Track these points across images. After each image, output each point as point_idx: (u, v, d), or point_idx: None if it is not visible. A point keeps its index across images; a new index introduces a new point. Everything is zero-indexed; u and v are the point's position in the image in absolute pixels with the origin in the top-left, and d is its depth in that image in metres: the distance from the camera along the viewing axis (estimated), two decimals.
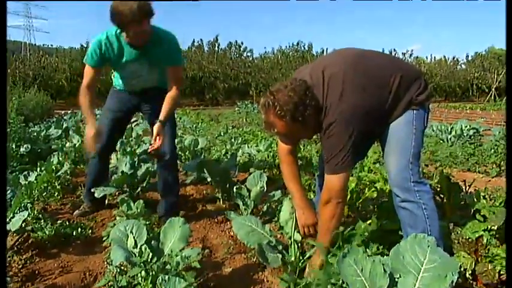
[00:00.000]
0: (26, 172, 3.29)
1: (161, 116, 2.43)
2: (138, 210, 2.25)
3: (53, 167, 3.62)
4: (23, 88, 17.09)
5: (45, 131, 6.32)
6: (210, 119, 10.03)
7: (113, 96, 2.83)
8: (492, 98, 28.06)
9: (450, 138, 6.04)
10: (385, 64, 1.80)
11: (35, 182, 3.03)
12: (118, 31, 2.35)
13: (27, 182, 3.04)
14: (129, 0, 2.14)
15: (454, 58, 37.51)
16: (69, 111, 14.48)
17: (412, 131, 1.76)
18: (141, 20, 2.18)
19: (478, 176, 4.43)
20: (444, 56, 38.93)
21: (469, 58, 38.82)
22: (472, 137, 6.26)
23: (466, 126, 6.48)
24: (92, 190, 2.72)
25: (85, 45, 25.70)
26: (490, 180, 4.27)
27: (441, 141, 6.25)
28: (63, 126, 7.64)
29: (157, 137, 2.37)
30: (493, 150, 4.79)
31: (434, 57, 39.65)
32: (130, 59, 2.45)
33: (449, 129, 6.31)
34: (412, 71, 1.88)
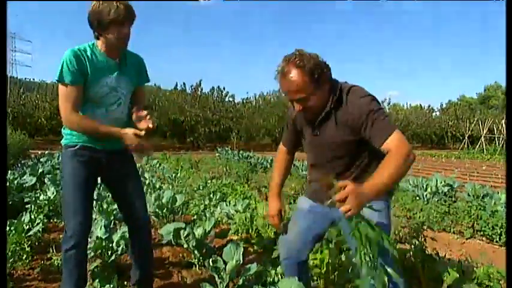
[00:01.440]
0: None
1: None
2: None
3: (24, 225, 3.50)
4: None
5: (18, 178, 6.14)
6: (190, 165, 9.99)
7: (69, 159, 2.14)
8: (466, 146, 29.06)
9: (426, 195, 6.18)
10: None
11: None
12: (91, 43, 2.09)
13: None
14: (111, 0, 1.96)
15: (429, 106, 39.19)
16: (46, 151, 14.20)
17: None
18: (125, 21, 2.00)
19: (453, 237, 4.53)
20: (420, 105, 40.67)
21: (443, 106, 40.68)
22: (447, 193, 6.41)
23: (441, 182, 6.65)
24: None
25: None
26: (464, 242, 4.36)
27: (417, 197, 6.38)
28: (39, 172, 7.45)
29: (146, 117, 2.08)
30: (466, 212, 4.90)
31: (410, 104, 41.41)
32: (108, 69, 2.09)
33: (424, 186, 6.47)
34: None
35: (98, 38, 2.08)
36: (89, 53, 2.04)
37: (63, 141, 2.18)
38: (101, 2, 1.96)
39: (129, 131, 2.01)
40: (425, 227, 3.80)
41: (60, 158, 10.90)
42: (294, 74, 1.64)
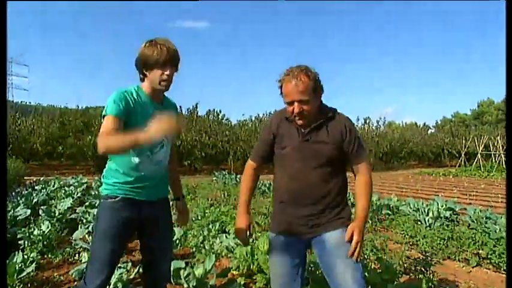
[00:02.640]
0: None
1: (181, 192, 2.42)
2: None
3: (16, 266, 3.38)
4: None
5: (12, 210, 6.00)
6: (187, 191, 9.86)
7: (108, 211, 2.05)
8: (463, 163, 29.09)
9: (428, 220, 6.08)
10: None
11: None
12: (135, 85, 2.09)
13: None
14: (162, 42, 2.00)
15: (424, 124, 39.48)
16: (41, 178, 14.04)
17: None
18: (168, 63, 2.01)
19: (459, 265, 4.42)
20: (416, 123, 40.96)
21: (438, 123, 40.98)
22: (449, 217, 6.33)
23: (442, 206, 6.57)
24: None
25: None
26: (470, 271, 4.25)
27: (419, 222, 6.28)
28: (33, 202, 7.32)
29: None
30: (470, 239, 4.81)
31: (406, 122, 41.68)
32: (153, 112, 2.01)
33: (426, 210, 6.38)
34: None
35: (142, 80, 2.10)
36: (135, 95, 2.04)
37: (102, 191, 2.09)
38: (148, 44, 2.01)
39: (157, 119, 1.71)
40: (430, 258, 3.70)
41: (54, 184, 10.82)
42: (303, 78, 1.90)
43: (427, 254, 4.03)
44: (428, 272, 3.01)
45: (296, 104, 1.92)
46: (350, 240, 1.94)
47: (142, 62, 2.02)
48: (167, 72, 2.03)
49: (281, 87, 1.98)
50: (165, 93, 2.20)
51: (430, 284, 2.98)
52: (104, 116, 1.94)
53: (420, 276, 3.06)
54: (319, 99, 2.01)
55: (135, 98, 2.03)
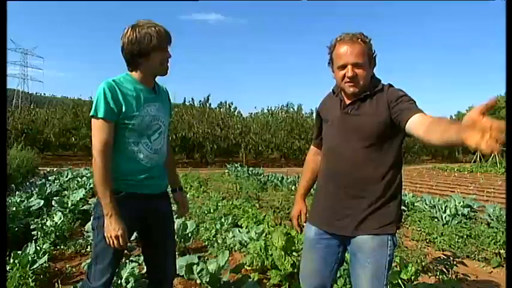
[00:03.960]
0: None
1: (179, 183, 2.37)
2: None
3: (29, 257, 3.35)
4: (7, 143, 16.95)
5: (26, 201, 6.02)
6: (199, 184, 9.82)
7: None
8: (478, 159, 28.55)
9: (445, 217, 5.92)
10: None
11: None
12: (124, 73, 1.97)
13: None
14: (149, 24, 1.86)
15: None
16: (55, 169, 14.20)
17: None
18: (167, 45, 1.93)
19: (479, 265, 4.27)
20: None
21: (453, 118, 40.23)
22: (467, 215, 6.16)
23: (459, 203, 6.40)
24: None
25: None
26: (491, 272, 4.11)
27: (435, 219, 6.13)
28: (46, 192, 7.35)
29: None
30: (491, 238, 4.65)
31: None
32: (148, 98, 1.97)
33: (443, 207, 6.21)
34: None
35: (134, 70, 1.96)
36: (126, 84, 1.92)
37: None
38: (137, 29, 1.85)
39: (115, 231, 1.81)
40: (453, 258, 3.56)
41: (67, 175, 10.88)
42: (359, 41, 1.77)
43: (448, 253, 3.89)
44: (450, 272, 2.88)
45: (350, 66, 1.75)
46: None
47: (137, 50, 1.86)
48: (168, 55, 1.95)
49: (332, 51, 1.83)
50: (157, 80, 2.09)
51: (452, 284, 2.86)
52: (95, 115, 1.84)
53: (441, 276, 2.94)
54: (372, 69, 1.84)
55: (125, 84, 1.92)
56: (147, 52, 1.86)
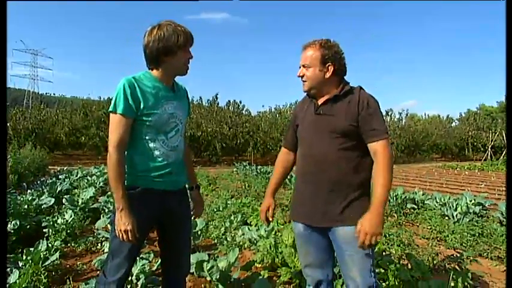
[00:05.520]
0: (8, 269, 3.03)
1: (195, 181, 2.37)
2: None
3: (41, 254, 3.39)
4: (19, 143, 17.17)
5: (37, 199, 6.09)
6: (208, 182, 9.84)
7: (131, 206, 1.90)
8: (489, 157, 28.17)
9: (456, 215, 5.85)
10: None
11: (17, 284, 2.77)
12: (144, 71, 2.01)
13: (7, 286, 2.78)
14: (175, 24, 1.92)
15: (448, 116, 38.25)
16: (65, 168, 14.35)
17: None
18: (190, 45, 1.98)
19: (492, 264, 4.21)
20: (439, 115, 39.79)
21: (462, 115, 39.65)
22: (479, 213, 6.08)
23: (471, 201, 6.32)
24: None
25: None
26: (504, 270, 4.05)
27: (446, 217, 6.06)
28: (57, 191, 7.43)
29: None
30: (504, 236, 4.58)
31: (428, 114, 40.53)
32: (166, 96, 1.99)
33: (454, 205, 6.13)
34: None
35: (154, 68, 1.98)
36: (145, 81, 1.95)
37: None
38: (165, 27, 1.89)
39: (125, 225, 1.83)
40: (465, 256, 3.52)
41: (77, 173, 10.97)
42: (313, 47, 1.98)
43: (460, 251, 3.85)
44: (463, 271, 2.85)
45: (301, 67, 2.02)
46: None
47: (164, 47, 1.89)
48: (191, 56, 1.98)
49: None
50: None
51: (465, 283, 2.82)
52: (114, 111, 1.87)
53: (454, 275, 2.90)
54: (331, 73, 1.97)
55: (144, 81, 1.95)
56: (173, 50, 1.90)
